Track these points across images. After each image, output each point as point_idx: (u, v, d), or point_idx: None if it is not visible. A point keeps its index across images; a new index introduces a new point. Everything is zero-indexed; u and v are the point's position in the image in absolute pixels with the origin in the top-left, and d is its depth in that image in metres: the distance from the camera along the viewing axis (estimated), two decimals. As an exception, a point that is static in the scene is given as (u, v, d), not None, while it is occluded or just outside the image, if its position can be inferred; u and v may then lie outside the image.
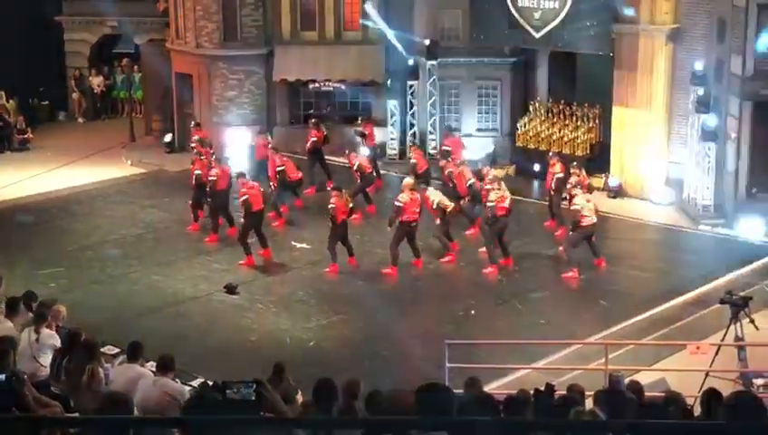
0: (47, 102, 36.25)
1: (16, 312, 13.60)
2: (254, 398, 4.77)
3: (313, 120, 27.82)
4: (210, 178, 22.84)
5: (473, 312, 19.41)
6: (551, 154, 24.80)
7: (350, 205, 21.28)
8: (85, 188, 27.96)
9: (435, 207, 21.64)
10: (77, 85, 36.53)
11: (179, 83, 31.51)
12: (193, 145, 26.43)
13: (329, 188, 23.02)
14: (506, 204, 21.25)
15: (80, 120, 36.50)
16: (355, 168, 24.81)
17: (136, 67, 35.85)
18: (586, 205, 21.08)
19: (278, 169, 24.45)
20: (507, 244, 21.67)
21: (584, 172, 23.34)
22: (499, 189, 21.37)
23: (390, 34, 29.59)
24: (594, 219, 21.11)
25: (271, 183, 24.34)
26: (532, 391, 10.99)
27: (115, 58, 37.22)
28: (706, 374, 14.73)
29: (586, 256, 21.67)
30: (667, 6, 25.62)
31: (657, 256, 23.16)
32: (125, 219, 25.03)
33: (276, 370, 12.93)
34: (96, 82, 36.74)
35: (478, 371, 13.56)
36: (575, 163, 23.70)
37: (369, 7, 29.67)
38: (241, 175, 22.22)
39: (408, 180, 21.96)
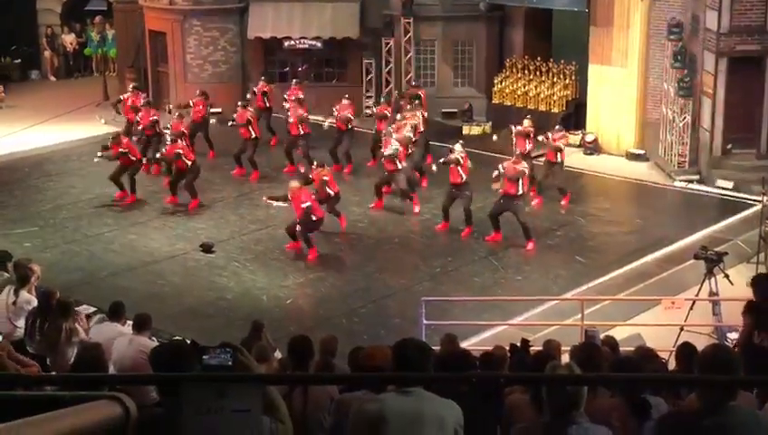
0: (19, 61, 35.79)
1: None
2: (230, 363, 4.75)
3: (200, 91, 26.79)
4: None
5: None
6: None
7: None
8: (59, 147, 27.72)
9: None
10: (49, 44, 36.10)
11: (153, 41, 31.21)
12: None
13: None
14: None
15: (52, 78, 36.13)
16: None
17: (108, 25, 35.49)
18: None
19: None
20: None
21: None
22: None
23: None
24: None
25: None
26: (508, 347, 11.07)
27: (87, 16, 36.80)
28: (681, 329, 14.86)
29: (567, 214, 21.77)
30: (642, -39, 25.56)
31: (632, 212, 23.24)
32: (99, 178, 24.78)
33: (254, 327, 12.93)
34: (68, 40, 36.32)
35: (455, 327, 13.62)
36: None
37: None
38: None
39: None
